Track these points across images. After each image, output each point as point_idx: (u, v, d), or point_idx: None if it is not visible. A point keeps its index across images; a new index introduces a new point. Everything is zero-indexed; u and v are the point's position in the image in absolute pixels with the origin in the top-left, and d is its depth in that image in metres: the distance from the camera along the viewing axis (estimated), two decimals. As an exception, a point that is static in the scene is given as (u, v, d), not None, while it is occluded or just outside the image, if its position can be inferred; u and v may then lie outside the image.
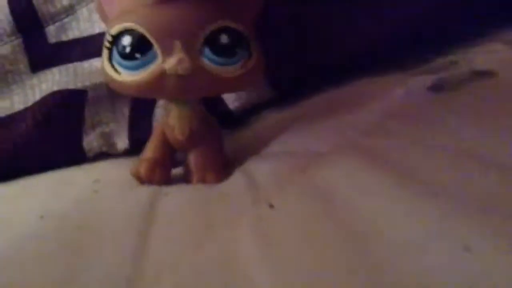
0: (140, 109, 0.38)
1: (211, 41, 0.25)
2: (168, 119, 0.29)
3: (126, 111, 0.38)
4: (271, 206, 0.21)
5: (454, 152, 0.21)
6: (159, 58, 0.25)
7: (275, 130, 0.32)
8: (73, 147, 0.36)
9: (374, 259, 0.16)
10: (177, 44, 0.25)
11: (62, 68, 0.38)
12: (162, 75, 0.25)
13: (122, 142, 0.37)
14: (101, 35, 0.38)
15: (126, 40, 0.25)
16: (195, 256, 0.19)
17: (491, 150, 0.20)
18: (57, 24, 0.39)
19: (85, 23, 0.39)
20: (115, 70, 0.26)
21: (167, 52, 0.25)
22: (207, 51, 0.25)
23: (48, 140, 0.35)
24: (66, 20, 0.39)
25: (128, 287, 0.18)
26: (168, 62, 0.25)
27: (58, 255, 0.21)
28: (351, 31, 0.36)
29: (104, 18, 0.29)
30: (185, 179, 0.29)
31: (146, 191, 0.27)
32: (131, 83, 0.26)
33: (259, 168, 0.27)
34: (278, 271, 0.17)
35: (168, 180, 0.29)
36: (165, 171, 0.29)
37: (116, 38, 0.26)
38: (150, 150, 0.30)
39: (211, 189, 0.26)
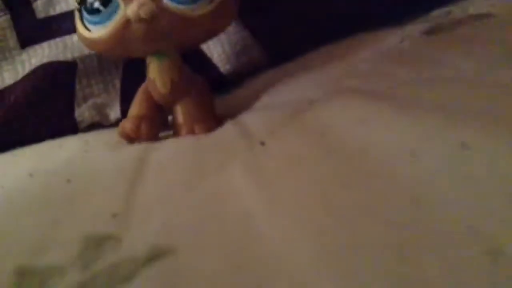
0: (131, 79, 0.37)
1: None
2: (149, 73, 0.28)
3: (117, 82, 0.37)
4: (263, 143, 0.21)
5: (451, 81, 0.21)
6: (122, 7, 0.25)
7: (268, 86, 0.31)
8: (65, 119, 0.36)
9: (367, 171, 0.15)
10: None
11: (52, 42, 0.37)
12: (126, 24, 0.25)
13: (114, 112, 0.36)
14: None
15: None
16: (187, 195, 0.18)
17: (491, 74, 0.20)
18: (44, -1, 0.38)
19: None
20: (86, 28, 0.27)
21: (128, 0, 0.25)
22: None
23: (39, 112, 0.35)
24: (53, -6, 0.38)
25: (115, 221, 0.17)
26: (129, 8, 0.25)
27: (46, 204, 0.20)
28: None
29: None
30: (174, 133, 0.29)
31: (135, 146, 0.26)
32: (99, 39, 0.26)
33: (251, 118, 0.26)
34: (274, 200, 0.16)
35: (155, 136, 0.28)
36: (152, 127, 0.28)
37: None
38: (135, 107, 0.29)
39: (202, 139, 0.25)
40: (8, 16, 0.37)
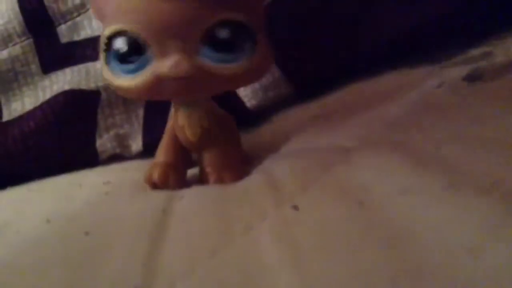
0: (155, 110, 0.36)
1: (210, 37, 0.23)
2: (177, 119, 0.27)
3: (140, 112, 0.36)
4: (295, 207, 0.19)
5: (497, 145, 0.19)
6: (155, 60, 0.23)
7: (295, 126, 0.30)
8: (86, 149, 0.35)
9: (418, 265, 0.13)
10: (172, 44, 0.23)
11: (74, 68, 0.37)
12: (158, 79, 0.23)
13: (136, 144, 0.36)
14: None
15: (119, 43, 0.23)
16: (212, 262, 0.17)
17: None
18: (68, 23, 0.37)
19: (97, 22, 0.37)
20: (113, 73, 0.24)
21: (163, 53, 0.23)
22: (205, 48, 0.23)
23: (59, 141, 0.34)
24: (78, 19, 0.38)
25: (137, 297, 0.16)
26: (163, 65, 0.23)
27: (62, 262, 0.19)
28: (377, 24, 0.34)
29: (101, 17, 0.26)
30: (201, 180, 0.27)
31: (159, 193, 0.25)
32: (128, 88, 0.24)
33: (279, 166, 0.25)
34: (306, 280, 0.15)
35: (183, 184, 0.27)
36: (179, 174, 0.27)
37: (110, 40, 0.23)
38: (162, 153, 0.28)
39: (228, 190, 0.24)
40: (31, 40, 0.37)
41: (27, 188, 0.31)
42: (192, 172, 0.29)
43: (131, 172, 0.31)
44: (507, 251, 0.12)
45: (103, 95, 0.35)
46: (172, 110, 0.36)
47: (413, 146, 0.22)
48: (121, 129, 0.36)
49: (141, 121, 0.36)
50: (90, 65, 0.37)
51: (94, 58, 0.37)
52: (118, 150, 0.35)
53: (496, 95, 0.24)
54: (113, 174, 0.31)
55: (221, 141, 0.27)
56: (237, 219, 0.20)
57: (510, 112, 0.21)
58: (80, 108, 0.35)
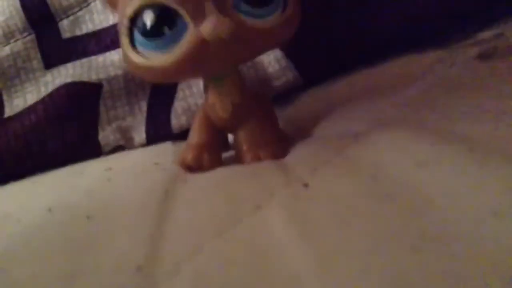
0: (159, 103, 0.36)
1: None
2: (208, 97, 0.26)
3: (143, 105, 0.36)
4: (306, 185, 0.18)
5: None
6: (190, 27, 0.21)
7: (305, 114, 0.29)
8: (88, 142, 0.34)
9: (437, 230, 0.12)
10: (208, 5, 0.21)
11: (76, 63, 0.36)
12: (200, 46, 0.21)
13: (139, 136, 0.35)
14: (115, 26, 0.36)
15: (148, 16, 0.21)
16: (218, 242, 0.16)
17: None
18: (70, 18, 0.37)
19: (99, 16, 0.37)
20: (140, 55, 0.22)
21: (198, 17, 0.21)
22: (242, 4, 0.21)
23: (61, 134, 0.33)
24: (79, 13, 0.37)
25: (140, 277, 0.15)
26: (205, 27, 0.20)
27: (64, 248, 0.18)
28: (385, 10, 0.33)
29: (113, 4, 0.24)
30: (236, 158, 0.26)
31: (162, 176, 0.24)
32: (163, 66, 0.21)
33: (292, 151, 0.24)
34: (323, 259, 0.14)
35: (218, 166, 0.26)
36: (214, 155, 0.26)
37: (135, 18, 0.21)
38: (194, 135, 0.27)
39: (234, 173, 0.23)
40: (33, 36, 0.36)
41: (30, 181, 0.30)
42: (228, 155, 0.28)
43: (133, 158, 0.30)
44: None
45: (105, 87, 0.35)
46: (178, 103, 0.35)
47: (428, 124, 0.21)
48: (123, 122, 0.35)
49: (144, 113, 0.35)
50: (92, 58, 0.36)
51: (96, 52, 0.36)
52: (121, 143, 0.35)
53: (506, 72, 0.23)
54: (114, 161, 0.30)
55: (255, 118, 0.26)
56: (245, 199, 0.19)
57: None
58: (82, 101, 0.34)
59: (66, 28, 0.37)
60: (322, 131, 0.27)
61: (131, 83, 0.35)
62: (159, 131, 0.35)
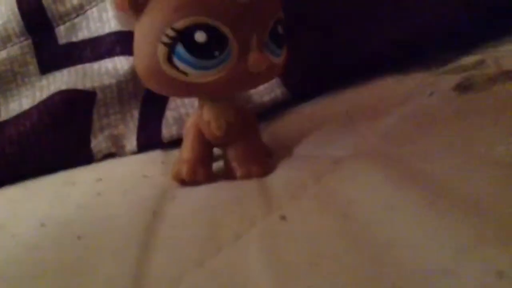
0: (151, 111, 0.37)
1: (272, 31, 0.24)
2: (203, 114, 0.27)
3: (135, 113, 0.37)
4: (283, 217, 0.20)
5: (485, 161, 0.19)
6: (234, 55, 0.23)
7: (290, 132, 0.30)
8: (81, 149, 0.35)
9: (392, 282, 0.14)
10: (254, 40, 0.23)
11: (72, 69, 0.37)
12: (242, 74, 0.23)
13: (130, 144, 0.36)
14: (111, 35, 0.37)
15: (201, 36, 0.22)
16: (199, 272, 0.18)
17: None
18: (67, 24, 0.38)
19: (95, 23, 0.38)
20: (178, 69, 0.22)
21: (244, 47, 0.23)
22: (270, 44, 0.24)
23: (54, 141, 0.34)
24: (76, 20, 0.38)
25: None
26: (250, 60, 0.23)
27: (56, 269, 0.19)
28: (375, 31, 0.35)
29: (136, 6, 0.23)
30: (227, 175, 0.27)
31: (151, 192, 0.25)
32: (202, 83, 0.23)
33: (272, 175, 0.25)
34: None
35: (211, 179, 0.27)
36: (207, 169, 0.27)
37: (184, 33, 0.22)
38: (188, 149, 0.28)
39: (220, 194, 0.25)
40: (29, 41, 0.37)
41: (24, 186, 0.31)
42: (217, 166, 0.29)
43: (122, 169, 0.31)
44: (478, 273, 0.13)
45: (99, 95, 0.36)
46: (169, 112, 0.37)
47: (402, 160, 0.22)
48: (115, 130, 0.36)
49: (136, 121, 0.36)
50: (87, 66, 0.37)
51: (92, 59, 0.37)
52: (112, 150, 0.36)
53: (485, 106, 0.24)
54: (105, 171, 0.32)
55: (245, 135, 0.27)
56: (226, 227, 0.21)
57: (496, 124, 0.22)
58: (76, 108, 0.35)
59: (63, 34, 0.38)
60: (304, 151, 0.28)
61: (124, 91, 0.36)
62: (150, 139, 0.36)
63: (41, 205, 0.26)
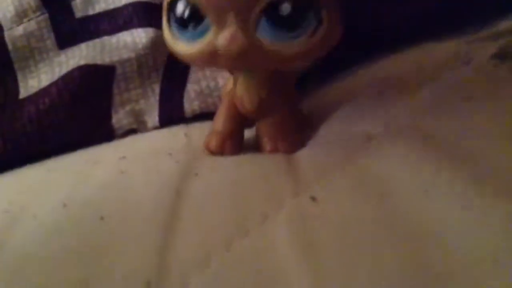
0: (172, 86, 0.36)
1: (271, 11, 0.21)
2: (236, 88, 0.27)
3: (156, 87, 0.36)
4: (313, 198, 0.19)
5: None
6: (212, 31, 0.22)
7: (319, 109, 0.29)
8: (102, 126, 0.34)
9: (442, 273, 0.13)
10: (231, 16, 0.21)
11: (90, 43, 0.36)
12: (213, 51, 0.22)
13: (151, 120, 0.35)
14: (128, 6, 0.36)
15: (179, 9, 0.23)
16: (226, 256, 0.17)
17: None
18: (83, -4, 0.37)
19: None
20: (173, 37, 0.24)
21: (220, 25, 0.22)
22: (264, 24, 0.21)
23: (75, 118, 0.34)
24: (92, -8, 0.37)
25: (150, 292, 0.16)
26: (219, 37, 0.22)
27: (78, 252, 0.19)
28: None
29: None
30: (258, 148, 0.28)
31: (174, 171, 0.25)
32: (184, 54, 0.24)
33: (302, 152, 0.25)
34: (319, 278, 0.14)
35: (238, 152, 0.28)
36: (236, 143, 0.28)
37: (171, 4, 0.23)
38: (219, 121, 0.28)
39: (245, 171, 0.24)
40: (46, 16, 0.36)
41: (45, 166, 0.30)
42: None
43: (146, 146, 0.31)
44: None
45: (118, 70, 0.35)
46: (190, 85, 0.36)
47: (439, 136, 0.21)
48: (136, 105, 0.35)
49: (157, 96, 0.35)
50: (105, 39, 0.36)
51: (109, 32, 0.36)
52: (133, 126, 0.35)
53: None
54: (128, 148, 0.31)
55: (278, 110, 0.27)
56: (253, 206, 0.20)
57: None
58: (95, 84, 0.34)
59: (79, 7, 0.37)
60: (335, 127, 0.27)
61: (144, 65, 0.35)
62: (172, 115, 0.35)
63: (63, 185, 0.26)
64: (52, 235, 0.21)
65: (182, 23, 0.23)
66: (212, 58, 0.22)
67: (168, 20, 0.24)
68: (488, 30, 0.31)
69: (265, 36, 0.21)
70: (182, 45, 0.23)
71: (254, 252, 0.17)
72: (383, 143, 0.22)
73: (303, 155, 0.24)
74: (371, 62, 0.32)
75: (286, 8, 0.21)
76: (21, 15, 0.36)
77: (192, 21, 0.22)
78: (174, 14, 0.23)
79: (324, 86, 0.33)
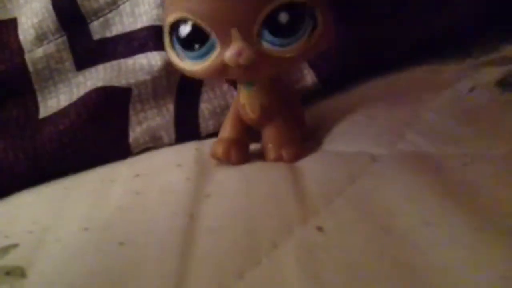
0: (185, 104, 0.37)
1: (270, 22, 0.24)
2: (239, 97, 0.29)
3: (170, 107, 0.37)
4: (320, 228, 0.20)
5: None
6: (218, 48, 0.24)
7: (322, 125, 0.30)
8: (119, 144, 0.36)
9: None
10: (234, 32, 0.24)
11: (107, 65, 0.37)
12: (223, 66, 0.24)
13: (168, 136, 0.36)
14: (143, 30, 0.37)
15: (183, 30, 0.25)
16: (239, 285, 0.18)
17: None
18: (100, 19, 0.38)
19: (128, 18, 0.38)
20: (178, 56, 0.26)
21: (225, 41, 0.24)
22: (266, 33, 0.24)
23: (93, 137, 0.35)
24: (109, 15, 0.38)
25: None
26: (227, 53, 0.24)
27: (100, 278, 0.20)
28: (409, 21, 0.34)
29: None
30: (263, 155, 0.29)
31: (186, 191, 0.26)
32: (192, 71, 0.26)
33: (307, 169, 0.26)
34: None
35: (244, 160, 0.29)
36: (241, 151, 0.29)
37: (173, 26, 0.25)
38: (226, 130, 0.30)
39: (254, 191, 0.25)
40: (64, 38, 0.38)
41: (63, 185, 0.32)
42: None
43: (157, 160, 0.33)
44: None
45: (134, 91, 0.36)
46: (203, 105, 0.37)
47: (445, 164, 0.21)
48: (153, 121, 0.36)
49: (172, 114, 0.37)
50: (122, 61, 0.37)
51: (125, 54, 0.37)
52: (150, 145, 0.36)
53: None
54: (142, 165, 0.32)
55: (281, 118, 0.28)
56: (264, 234, 0.21)
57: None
58: (112, 105, 0.36)
59: (97, 29, 0.38)
60: (339, 146, 0.28)
61: (159, 87, 0.36)
62: (189, 134, 0.36)
63: (82, 206, 0.27)
64: (76, 259, 0.22)
65: (187, 44, 0.25)
66: (222, 71, 0.25)
67: (171, 41, 0.26)
68: (493, 54, 0.32)
69: (268, 44, 0.24)
70: (189, 64, 0.26)
71: (265, 281, 0.18)
72: (386, 167, 0.23)
73: (309, 169, 0.26)
74: (377, 80, 0.33)
75: (284, 16, 0.24)
76: (41, 38, 0.37)
77: (197, 42, 0.25)
78: (178, 36, 0.25)
79: (330, 101, 0.34)
